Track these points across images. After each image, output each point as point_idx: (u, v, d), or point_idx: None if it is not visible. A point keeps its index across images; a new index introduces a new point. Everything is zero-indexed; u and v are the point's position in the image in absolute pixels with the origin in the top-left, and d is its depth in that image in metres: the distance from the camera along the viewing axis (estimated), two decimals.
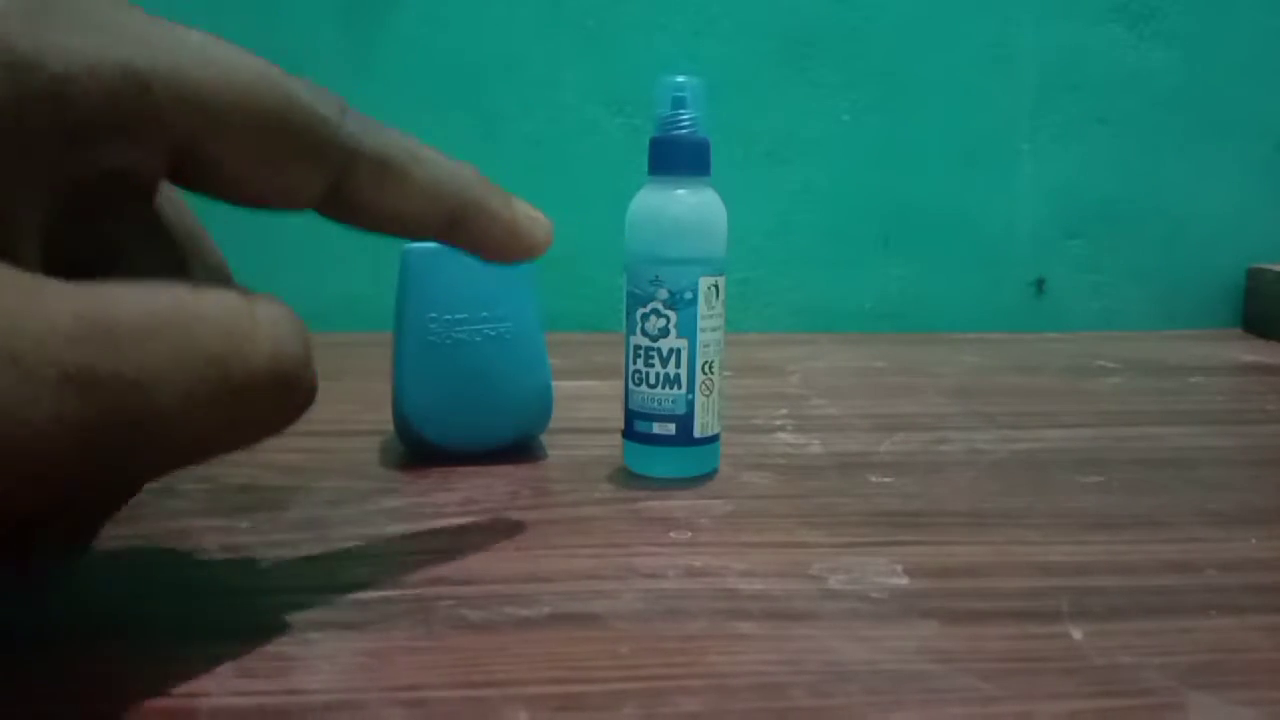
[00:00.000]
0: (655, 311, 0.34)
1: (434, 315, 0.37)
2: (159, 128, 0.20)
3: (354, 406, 0.46)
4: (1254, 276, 0.74)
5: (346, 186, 0.23)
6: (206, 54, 0.20)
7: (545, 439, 0.40)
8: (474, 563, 0.28)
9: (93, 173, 0.20)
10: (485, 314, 0.37)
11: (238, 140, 0.21)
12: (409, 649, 0.23)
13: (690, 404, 0.34)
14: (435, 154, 0.24)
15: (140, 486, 0.23)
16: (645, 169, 0.35)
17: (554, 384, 0.39)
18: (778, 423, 0.45)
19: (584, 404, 0.46)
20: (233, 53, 0.21)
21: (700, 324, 0.34)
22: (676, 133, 0.34)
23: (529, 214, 0.27)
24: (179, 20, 0.21)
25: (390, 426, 0.38)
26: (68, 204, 0.20)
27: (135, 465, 0.19)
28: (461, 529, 0.31)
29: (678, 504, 0.33)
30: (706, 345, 0.34)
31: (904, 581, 0.27)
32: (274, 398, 0.21)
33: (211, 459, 0.21)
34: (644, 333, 0.34)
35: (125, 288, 0.18)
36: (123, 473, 0.19)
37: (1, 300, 0.17)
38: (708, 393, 0.35)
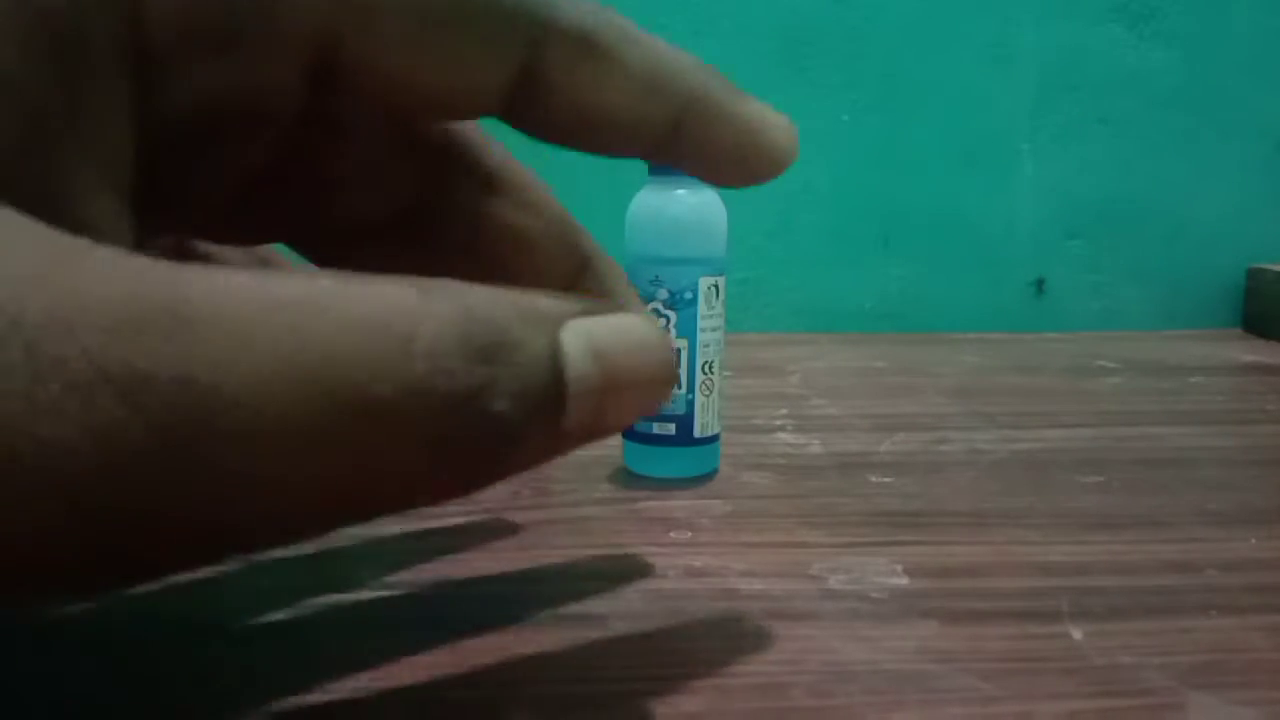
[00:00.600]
0: (655, 311, 0.34)
1: None
2: (286, 30, 0.15)
3: None
4: (1254, 276, 0.74)
5: (539, 71, 0.17)
6: None
7: None
8: (474, 563, 0.28)
9: (193, 102, 0.15)
10: None
11: (395, 31, 0.15)
12: (409, 649, 0.23)
13: (690, 404, 0.34)
14: (653, 38, 0.18)
15: (218, 557, 0.14)
16: (645, 169, 0.35)
17: None
18: (778, 423, 0.45)
19: None
20: None
21: (700, 324, 0.34)
22: None
23: (768, 115, 0.19)
24: None
25: None
26: (170, 141, 0.15)
27: (207, 515, 0.12)
28: (461, 529, 0.31)
29: (678, 504, 0.33)
30: (706, 345, 0.34)
31: (904, 581, 0.27)
32: (429, 436, 0.13)
33: (331, 528, 0.14)
34: None
35: (237, 271, 0.12)
36: (190, 523, 0.12)
37: (12, 268, 0.11)
38: (708, 393, 0.35)
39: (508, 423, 0.14)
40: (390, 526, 0.31)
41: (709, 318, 0.34)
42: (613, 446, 0.37)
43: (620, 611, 0.25)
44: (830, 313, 0.73)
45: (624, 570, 0.28)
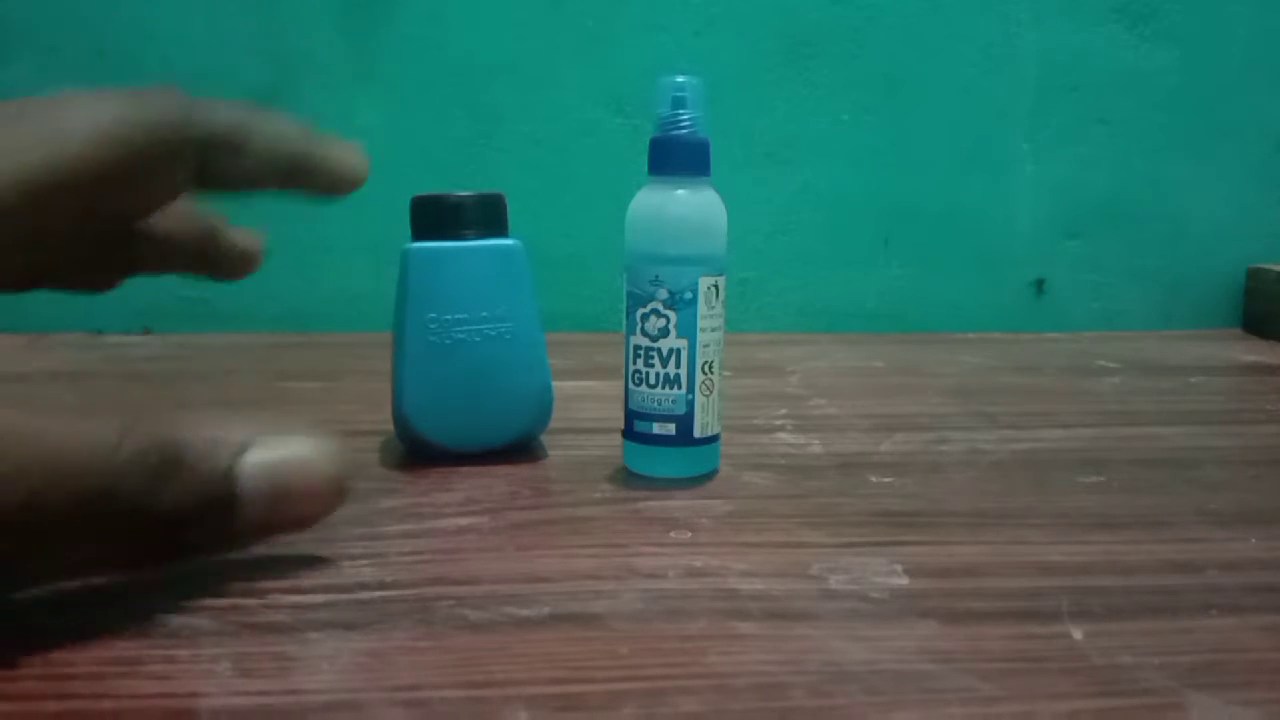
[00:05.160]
0: (655, 311, 0.34)
1: (434, 315, 0.37)
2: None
3: (354, 406, 0.46)
4: (1254, 276, 0.74)
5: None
6: None
7: (545, 439, 0.40)
8: (474, 563, 0.28)
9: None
10: (485, 314, 0.37)
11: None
12: (409, 649, 0.23)
13: (690, 404, 0.34)
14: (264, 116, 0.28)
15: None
16: (645, 169, 0.35)
17: (554, 384, 0.39)
18: (778, 423, 0.45)
19: (584, 404, 0.46)
20: None
21: (700, 324, 0.34)
22: (676, 133, 0.34)
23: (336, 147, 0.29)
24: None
25: (390, 426, 0.38)
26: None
27: None
28: (461, 529, 0.31)
29: (678, 504, 0.33)
30: (706, 345, 0.34)
31: (904, 581, 0.27)
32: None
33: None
34: (644, 333, 0.34)
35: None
36: None
37: None
38: (708, 393, 0.35)
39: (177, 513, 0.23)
40: (390, 526, 0.31)
41: (709, 318, 0.34)
42: (613, 447, 0.37)
43: (620, 611, 0.25)
44: (830, 313, 0.73)
45: (624, 570, 0.28)
